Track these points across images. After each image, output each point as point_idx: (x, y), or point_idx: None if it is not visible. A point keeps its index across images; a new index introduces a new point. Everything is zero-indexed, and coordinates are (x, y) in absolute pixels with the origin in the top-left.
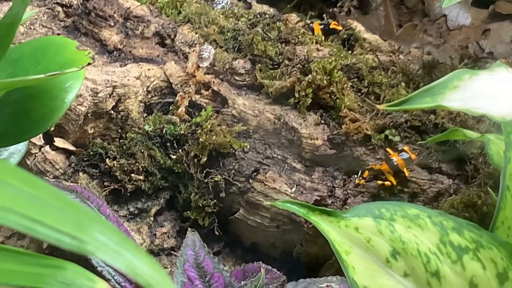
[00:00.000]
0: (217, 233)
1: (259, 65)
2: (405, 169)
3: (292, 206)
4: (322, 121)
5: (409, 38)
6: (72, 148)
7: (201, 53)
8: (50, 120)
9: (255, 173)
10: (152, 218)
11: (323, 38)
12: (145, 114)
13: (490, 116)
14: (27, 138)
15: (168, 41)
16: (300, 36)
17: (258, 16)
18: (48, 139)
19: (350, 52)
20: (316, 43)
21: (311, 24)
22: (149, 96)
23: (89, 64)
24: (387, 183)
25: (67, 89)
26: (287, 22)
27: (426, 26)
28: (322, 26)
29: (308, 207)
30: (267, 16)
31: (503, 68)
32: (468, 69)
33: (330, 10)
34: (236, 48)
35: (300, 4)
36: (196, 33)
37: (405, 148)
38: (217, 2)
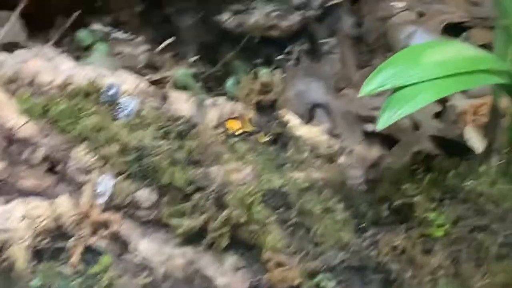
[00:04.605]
0: None
1: (166, 197)
2: None
3: None
4: (243, 264)
5: None
6: None
7: (96, 187)
8: None
9: None
10: None
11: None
12: (35, 262)
13: None
14: None
15: (59, 167)
16: (217, 153)
17: (171, 122)
18: None
19: (283, 153)
20: (237, 159)
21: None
22: (38, 240)
23: None
24: None
25: None
26: (204, 131)
27: None
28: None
29: None
30: (180, 123)
31: None
32: None
33: (277, 58)
34: (140, 175)
35: (244, 50)
36: (94, 155)
37: None
38: (121, 109)
